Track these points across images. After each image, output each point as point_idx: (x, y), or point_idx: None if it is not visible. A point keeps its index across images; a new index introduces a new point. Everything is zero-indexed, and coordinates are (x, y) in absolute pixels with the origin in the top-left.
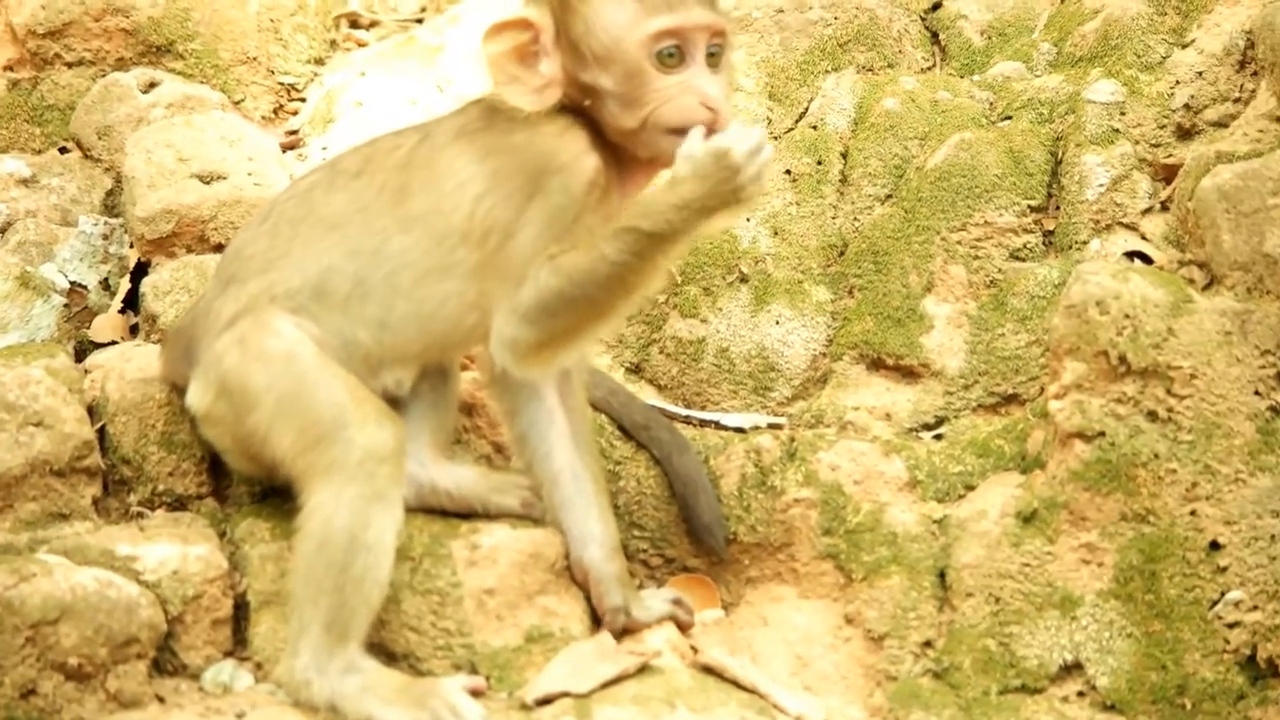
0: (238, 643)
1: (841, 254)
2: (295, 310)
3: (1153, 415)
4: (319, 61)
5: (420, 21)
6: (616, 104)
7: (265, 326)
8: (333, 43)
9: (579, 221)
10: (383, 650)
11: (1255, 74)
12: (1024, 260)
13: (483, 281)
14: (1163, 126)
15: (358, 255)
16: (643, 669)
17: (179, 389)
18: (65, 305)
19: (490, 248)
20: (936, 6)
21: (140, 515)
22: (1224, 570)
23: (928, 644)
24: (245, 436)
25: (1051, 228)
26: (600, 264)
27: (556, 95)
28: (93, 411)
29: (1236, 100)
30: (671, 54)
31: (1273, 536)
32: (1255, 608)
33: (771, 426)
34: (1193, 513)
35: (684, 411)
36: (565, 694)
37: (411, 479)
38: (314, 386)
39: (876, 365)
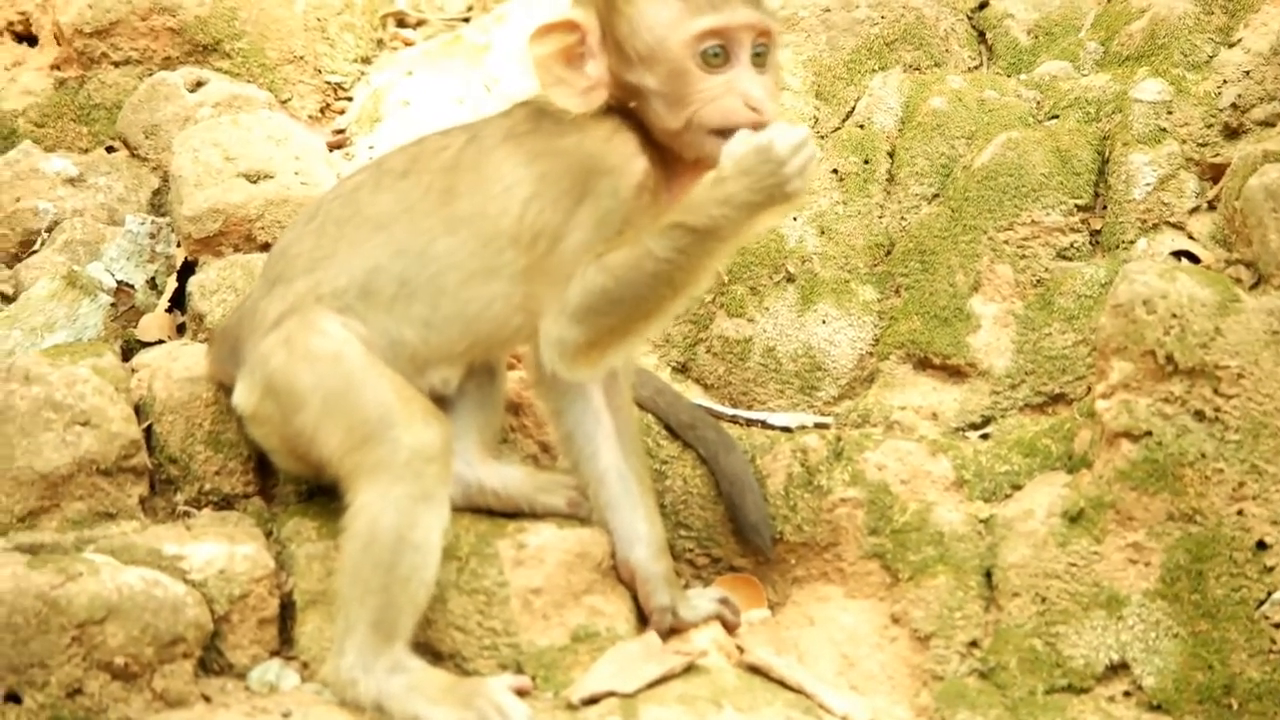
0: (284, 642)
1: (888, 253)
2: (342, 310)
3: (1200, 415)
4: (366, 61)
5: (467, 20)
6: (661, 104)
7: (312, 326)
8: (379, 42)
9: (628, 224)
10: (429, 649)
11: None
12: (1071, 260)
13: (530, 284)
14: (1210, 126)
15: (404, 255)
16: (689, 669)
17: (226, 389)
18: (112, 304)
19: (539, 251)
20: (983, 5)
21: (187, 514)
22: (1271, 570)
23: (974, 644)
24: (292, 436)
25: (1098, 227)
26: (646, 261)
27: (603, 97)
28: (139, 410)
29: None
30: (716, 54)
31: None
32: None
33: (818, 426)
34: (1240, 512)
35: (730, 411)
36: (611, 693)
37: (458, 478)
38: (361, 386)
39: (923, 365)
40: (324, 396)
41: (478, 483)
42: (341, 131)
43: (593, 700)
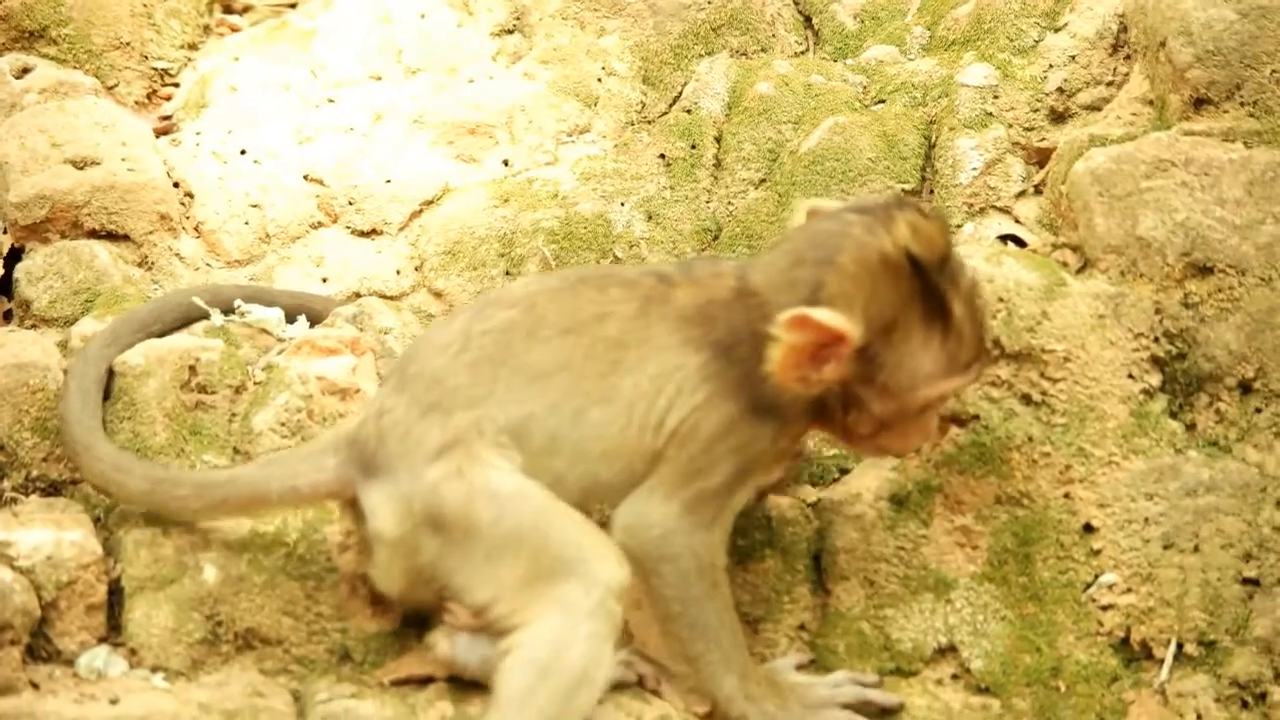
0: (112, 628)
1: (716, 238)
2: (500, 448)
3: (1027, 399)
4: (192, 47)
5: (294, 6)
6: (866, 419)
7: (484, 462)
8: (206, 28)
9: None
10: (257, 636)
11: (1128, 57)
12: None
13: (652, 467)
14: (1036, 110)
15: (558, 412)
16: None
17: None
18: None
19: (679, 455)
20: None
21: (13, 501)
22: (1098, 553)
23: (802, 627)
24: (435, 566)
25: None
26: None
27: (818, 391)
28: None
29: (1109, 84)
30: (935, 402)
31: (1146, 519)
32: (1129, 590)
33: None
34: (1066, 495)
35: None
36: (429, 678)
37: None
38: (550, 521)
39: None
40: (507, 532)
41: (485, 658)
42: (168, 118)
43: (405, 682)
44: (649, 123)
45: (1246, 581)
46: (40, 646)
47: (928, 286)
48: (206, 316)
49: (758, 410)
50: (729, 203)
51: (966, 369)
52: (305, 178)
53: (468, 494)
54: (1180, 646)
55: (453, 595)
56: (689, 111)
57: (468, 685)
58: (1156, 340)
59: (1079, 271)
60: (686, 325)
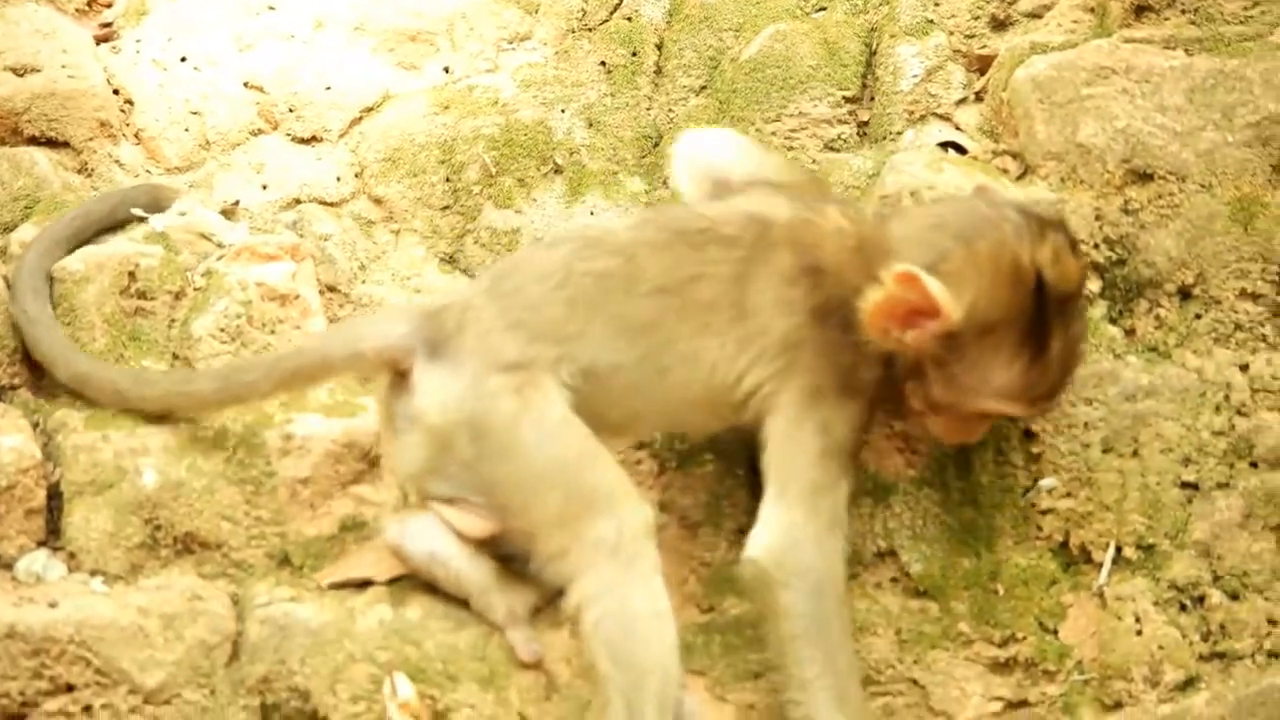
0: (51, 533)
1: (656, 145)
2: (573, 388)
3: None
4: None
5: None
6: (922, 396)
7: (544, 391)
8: None
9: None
10: (195, 539)
11: None
12: (839, 151)
13: (736, 415)
14: (977, 17)
15: (643, 366)
16: None
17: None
18: None
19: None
20: None
21: None
22: (1037, 458)
23: (741, 530)
24: (467, 469)
25: (866, 119)
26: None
27: (893, 348)
28: None
29: None
30: (993, 414)
31: (1085, 424)
32: (1068, 494)
33: None
34: None
35: None
36: (367, 581)
37: (424, 540)
38: (584, 460)
39: None
40: (545, 460)
41: (433, 554)
42: (108, 25)
43: (343, 586)
44: (590, 30)
45: (1185, 485)
46: None
47: (1039, 312)
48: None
49: (839, 387)
50: (670, 110)
51: (1033, 404)
52: (245, 85)
53: (517, 413)
54: (1119, 550)
55: (474, 502)
56: (630, 19)
57: (406, 589)
58: (1096, 246)
59: (1019, 178)
60: (785, 286)
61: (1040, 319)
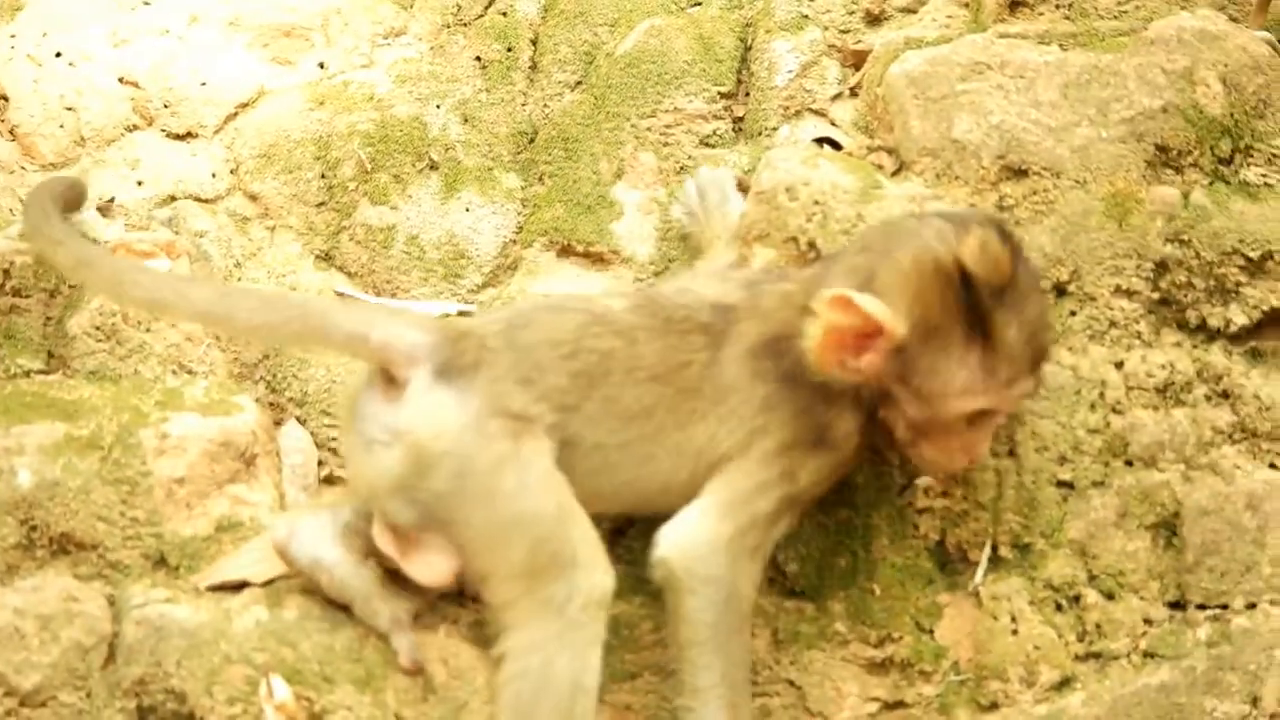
0: None
1: (532, 141)
2: (559, 449)
3: None
4: None
5: None
6: (903, 422)
7: (540, 446)
8: None
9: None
10: (71, 540)
11: None
12: (714, 147)
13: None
14: (852, 13)
15: (627, 452)
16: None
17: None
18: None
19: (733, 478)
20: None
21: None
22: None
23: (620, 532)
24: (435, 500)
25: (741, 114)
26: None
27: (855, 380)
28: None
29: None
30: (977, 419)
31: None
32: (944, 494)
33: (462, 314)
34: None
35: (374, 299)
36: (244, 583)
37: (310, 548)
38: (559, 518)
39: (566, 252)
40: (517, 510)
41: (318, 560)
42: None
43: (220, 588)
44: (465, 25)
45: (1061, 484)
46: None
47: (975, 303)
48: None
49: (819, 442)
50: (545, 105)
51: (1004, 391)
52: (121, 81)
53: (506, 457)
54: (995, 549)
55: (430, 535)
56: (505, 14)
57: (283, 590)
58: None
59: (894, 174)
60: (753, 360)
61: (977, 310)
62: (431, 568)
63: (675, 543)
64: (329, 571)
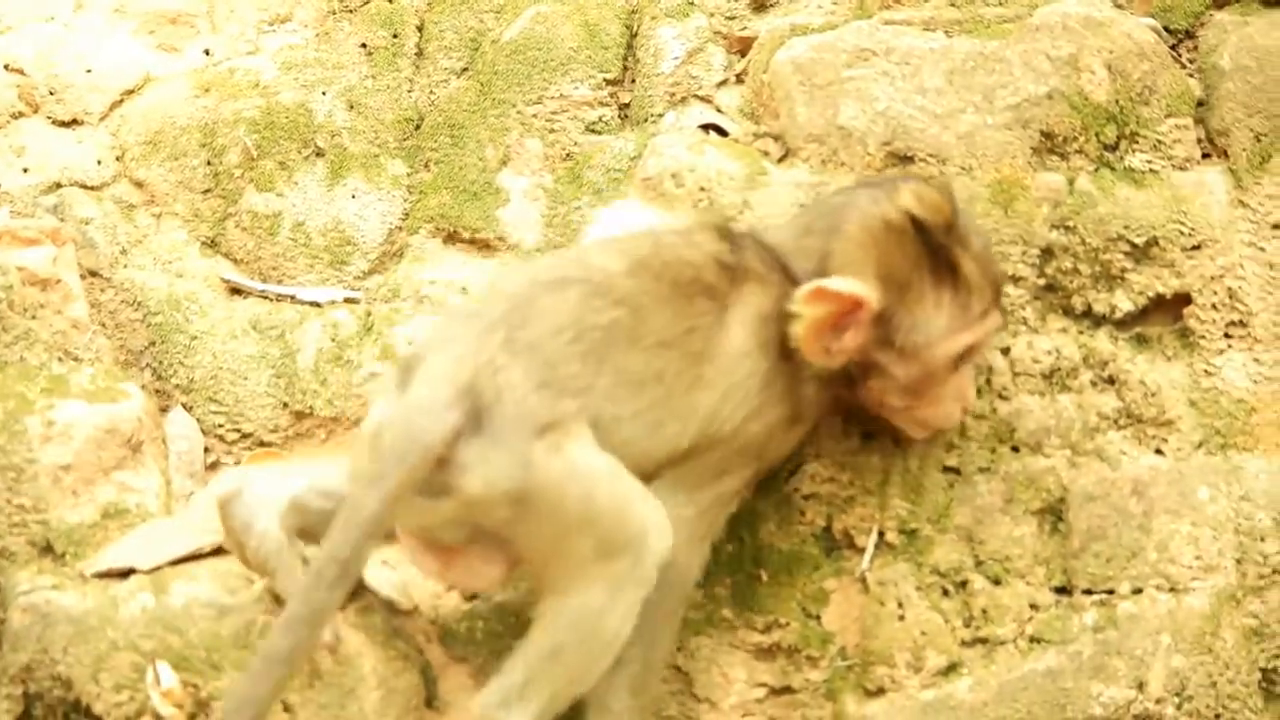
0: None
1: (418, 128)
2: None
3: None
4: None
5: None
6: (895, 388)
7: (581, 440)
8: None
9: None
10: None
11: None
12: (600, 133)
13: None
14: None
15: (640, 419)
16: (219, 549)
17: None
18: None
19: (709, 455)
20: None
21: None
22: (801, 446)
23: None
24: (498, 528)
25: (627, 101)
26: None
27: (843, 361)
28: None
29: None
30: (962, 360)
31: (848, 409)
32: (831, 479)
33: (348, 300)
34: None
35: (260, 285)
36: (130, 570)
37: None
38: (626, 500)
39: (452, 239)
40: (588, 511)
41: (250, 526)
42: None
43: (106, 575)
44: (350, 12)
45: (948, 470)
46: None
47: (933, 247)
48: None
49: (796, 417)
50: (431, 92)
51: (982, 323)
52: (5, 67)
53: (564, 471)
54: (881, 535)
55: (477, 545)
56: (390, 1)
57: (169, 577)
58: None
59: (780, 160)
60: (764, 326)
61: (937, 252)
62: (479, 576)
63: None
64: (258, 539)
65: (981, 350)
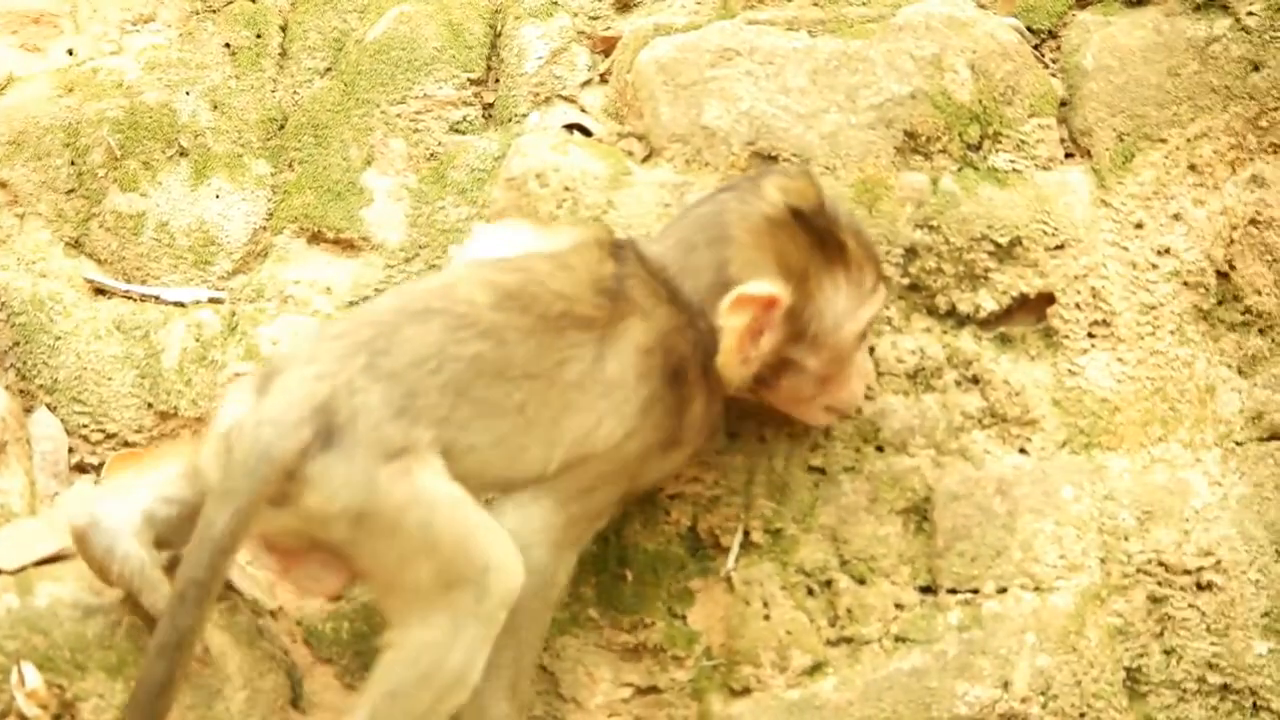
0: None
1: (282, 128)
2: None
3: None
4: None
5: None
6: (808, 381)
7: (432, 467)
8: None
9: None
10: None
11: None
12: (464, 133)
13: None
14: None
15: (499, 447)
16: None
17: None
18: None
19: (584, 469)
20: None
21: None
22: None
23: None
24: (338, 544)
25: (491, 100)
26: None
27: (754, 370)
28: None
29: None
30: (863, 336)
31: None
32: (695, 479)
33: (212, 301)
34: None
35: (124, 286)
36: None
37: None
38: (469, 530)
39: (316, 239)
40: (428, 538)
41: (111, 549)
42: None
43: None
44: (214, 12)
45: (812, 469)
46: None
47: (817, 231)
48: None
49: (675, 441)
50: (295, 92)
51: (874, 291)
52: None
53: (406, 495)
54: (747, 535)
55: (318, 553)
56: (254, 1)
57: (34, 578)
58: None
59: (644, 160)
60: (644, 359)
61: (822, 235)
62: (319, 582)
63: (512, 529)
64: (119, 564)
65: (874, 323)
